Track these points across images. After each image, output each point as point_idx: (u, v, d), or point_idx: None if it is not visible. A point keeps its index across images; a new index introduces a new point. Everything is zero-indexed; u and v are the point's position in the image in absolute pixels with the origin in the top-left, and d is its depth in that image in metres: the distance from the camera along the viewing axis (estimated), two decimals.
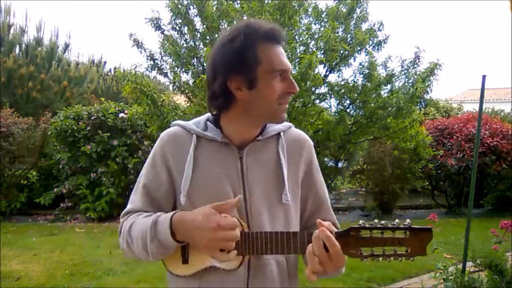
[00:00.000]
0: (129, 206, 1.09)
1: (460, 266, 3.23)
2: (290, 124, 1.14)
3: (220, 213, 0.94)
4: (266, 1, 4.94)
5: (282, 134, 1.10)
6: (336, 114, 5.31)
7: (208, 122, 1.09)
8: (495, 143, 6.93)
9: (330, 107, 5.53)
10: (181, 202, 1.02)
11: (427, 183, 8.27)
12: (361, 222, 0.91)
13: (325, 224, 0.92)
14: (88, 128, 6.38)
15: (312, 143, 1.16)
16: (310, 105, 4.99)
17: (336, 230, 0.94)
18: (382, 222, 0.91)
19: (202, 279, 1.01)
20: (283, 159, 1.07)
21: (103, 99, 7.31)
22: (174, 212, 0.98)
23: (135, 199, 1.09)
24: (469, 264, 3.29)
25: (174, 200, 1.07)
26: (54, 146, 6.77)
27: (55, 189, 6.44)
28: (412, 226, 0.89)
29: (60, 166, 6.51)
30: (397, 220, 0.91)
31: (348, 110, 5.31)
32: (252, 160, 1.05)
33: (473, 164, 3.46)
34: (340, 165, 7.24)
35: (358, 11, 5.32)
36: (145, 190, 1.07)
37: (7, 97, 8.03)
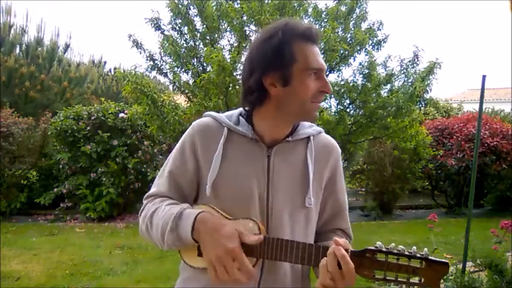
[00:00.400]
0: (153, 189, 1.10)
1: (460, 266, 3.24)
2: (321, 129, 1.16)
3: (240, 239, 0.93)
4: (266, 1, 4.94)
5: (311, 138, 1.11)
6: (336, 114, 5.31)
7: (240, 117, 1.10)
8: (495, 143, 6.93)
9: (330, 107, 5.53)
10: (205, 192, 1.03)
11: (427, 183, 8.27)
12: (378, 244, 0.91)
13: (341, 242, 0.92)
14: (88, 128, 6.38)
15: (339, 150, 1.17)
16: None
17: (351, 248, 0.93)
18: (399, 247, 0.90)
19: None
20: (311, 163, 1.07)
21: (103, 99, 7.31)
22: (201, 211, 0.98)
23: (160, 183, 1.10)
24: (469, 264, 3.29)
25: (198, 189, 1.08)
26: (54, 146, 6.77)
27: (55, 189, 6.43)
28: (429, 257, 0.88)
29: (60, 166, 6.50)
30: (414, 247, 0.90)
31: (348, 110, 5.31)
32: (279, 160, 1.06)
33: (473, 164, 3.46)
34: None
35: (357, 10, 5.32)
36: (170, 175, 1.08)
37: (7, 97, 8.03)
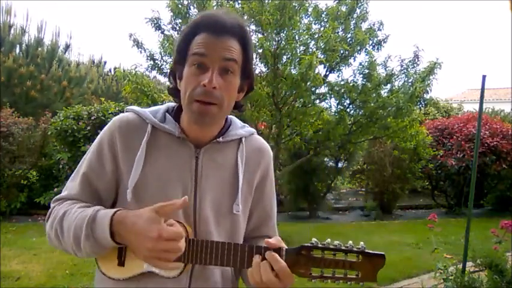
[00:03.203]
0: (63, 193, 0.99)
1: (460, 266, 3.24)
2: (253, 130, 1.08)
3: (164, 215, 0.84)
4: (266, 1, 4.94)
5: (243, 139, 1.03)
6: (336, 114, 5.31)
7: (167, 114, 1.00)
8: (495, 143, 6.94)
9: (330, 107, 5.53)
10: (126, 197, 0.93)
11: (427, 183, 8.28)
12: (313, 240, 0.88)
13: (273, 241, 0.88)
14: (88, 128, 6.38)
15: (271, 154, 1.10)
16: (310, 105, 5.00)
17: (285, 246, 0.89)
18: (336, 242, 0.87)
19: (140, 284, 0.93)
20: (241, 167, 1.00)
21: (103, 99, 7.31)
22: (116, 209, 0.88)
23: (72, 186, 0.98)
24: (469, 264, 3.29)
25: (116, 191, 0.98)
26: (54, 146, 6.76)
27: (55, 189, 6.42)
28: (366, 250, 0.86)
29: (60, 166, 6.50)
30: (350, 242, 0.87)
31: (348, 110, 5.31)
32: (208, 162, 0.98)
33: (473, 164, 3.46)
34: (340, 165, 7.26)
35: (358, 10, 5.32)
36: (84, 178, 0.97)
37: (7, 97, 8.03)
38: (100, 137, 0.99)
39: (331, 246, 0.87)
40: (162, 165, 0.95)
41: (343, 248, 0.87)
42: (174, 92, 0.99)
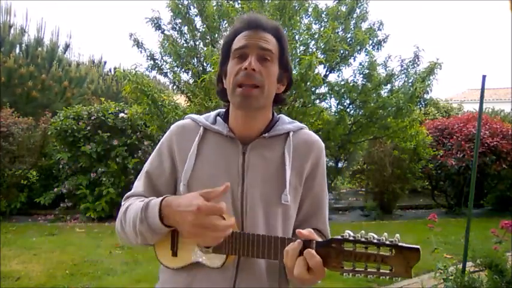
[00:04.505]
0: (131, 191, 1.11)
1: (460, 266, 3.23)
2: (302, 125, 1.12)
3: (208, 201, 0.89)
4: (266, 1, 4.94)
5: (291, 134, 1.07)
6: (336, 114, 5.31)
7: (218, 117, 1.10)
8: (495, 143, 6.93)
9: (330, 107, 5.54)
10: (180, 191, 1.02)
11: (427, 183, 8.27)
12: (346, 232, 0.85)
13: (305, 233, 0.89)
14: (88, 128, 6.38)
15: (322, 146, 1.11)
16: (310, 105, 5.00)
17: (318, 239, 0.89)
18: (369, 235, 0.83)
19: (190, 274, 1.00)
20: (288, 159, 1.03)
21: (103, 99, 7.31)
22: (165, 196, 0.97)
23: (137, 185, 1.11)
24: (469, 264, 3.29)
25: (175, 189, 1.08)
26: (54, 146, 6.77)
27: (55, 189, 6.43)
28: (399, 244, 0.82)
29: (60, 166, 6.50)
30: (385, 234, 0.83)
31: (348, 110, 5.32)
32: (255, 157, 1.03)
33: (473, 164, 3.46)
34: (340, 165, 7.25)
35: (358, 10, 5.32)
36: (147, 176, 1.09)
37: (7, 97, 8.03)
38: (161, 141, 1.11)
39: (363, 239, 0.83)
40: (212, 161, 1.04)
41: (375, 241, 0.83)
42: (223, 93, 1.08)
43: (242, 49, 0.99)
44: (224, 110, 1.12)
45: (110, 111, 6.56)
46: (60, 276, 3.79)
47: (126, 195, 1.11)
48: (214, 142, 1.06)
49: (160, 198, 0.96)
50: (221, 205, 0.88)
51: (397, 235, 0.83)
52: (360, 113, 5.23)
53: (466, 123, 7.46)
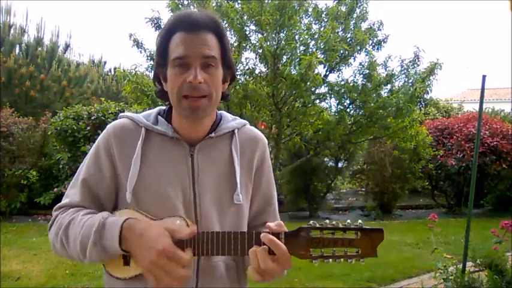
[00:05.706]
0: (65, 200, 1.00)
1: (460, 266, 3.23)
2: (245, 122, 1.10)
3: (171, 235, 0.86)
4: (266, 1, 4.94)
5: (236, 131, 1.05)
6: (336, 114, 5.32)
7: (159, 116, 1.03)
8: (495, 143, 6.93)
9: (330, 107, 5.55)
10: (126, 200, 0.94)
11: (427, 183, 8.28)
12: (311, 222, 0.89)
13: (273, 226, 0.89)
14: (88, 128, 6.38)
15: (266, 141, 1.10)
16: (310, 105, 5.00)
17: (285, 230, 0.90)
18: (334, 222, 0.89)
19: (146, 283, 0.91)
20: (236, 158, 1.01)
21: (103, 99, 7.31)
22: (127, 217, 0.90)
23: (72, 193, 1.00)
24: (469, 264, 3.29)
25: (116, 197, 1.00)
26: (54, 146, 6.76)
27: (55, 189, 6.42)
28: (364, 227, 0.87)
29: (60, 166, 6.50)
30: (348, 220, 0.88)
31: (348, 110, 5.32)
32: (203, 158, 0.99)
33: (473, 164, 3.46)
34: (340, 165, 7.25)
35: (357, 10, 5.33)
36: (85, 184, 0.98)
37: (7, 97, 8.03)
38: (96, 143, 1.01)
39: (329, 226, 0.88)
40: (159, 165, 0.97)
41: (341, 226, 0.88)
42: (162, 94, 1.01)
43: (183, 59, 0.91)
44: (165, 108, 1.05)
45: (110, 111, 6.56)
46: (60, 276, 3.79)
47: (58, 205, 1.00)
48: (159, 144, 0.98)
49: (121, 218, 0.90)
50: (186, 256, 0.86)
51: (360, 220, 0.88)
52: (360, 113, 5.23)
53: (466, 123, 7.46)
